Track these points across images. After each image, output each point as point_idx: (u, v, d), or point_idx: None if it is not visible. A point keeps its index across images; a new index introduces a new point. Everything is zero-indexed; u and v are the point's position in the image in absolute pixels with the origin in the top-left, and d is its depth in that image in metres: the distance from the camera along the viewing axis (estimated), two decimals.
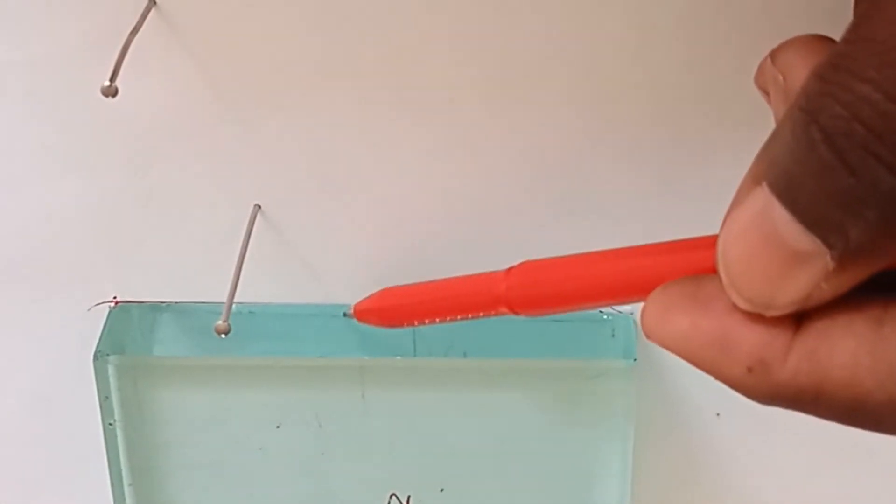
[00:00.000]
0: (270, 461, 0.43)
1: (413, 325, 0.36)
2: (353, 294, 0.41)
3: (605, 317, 0.41)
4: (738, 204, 0.23)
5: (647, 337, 0.25)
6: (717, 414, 0.43)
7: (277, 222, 0.40)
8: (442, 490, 0.43)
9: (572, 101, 0.38)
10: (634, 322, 0.41)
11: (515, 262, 0.31)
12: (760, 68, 0.29)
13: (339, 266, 0.41)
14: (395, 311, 0.36)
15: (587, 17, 0.36)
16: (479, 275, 0.33)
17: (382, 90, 0.37)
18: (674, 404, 0.43)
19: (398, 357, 0.41)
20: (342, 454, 0.43)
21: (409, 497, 0.44)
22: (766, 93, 0.29)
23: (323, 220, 0.40)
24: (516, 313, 0.31)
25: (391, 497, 0.44)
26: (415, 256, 0.40)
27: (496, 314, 0.32)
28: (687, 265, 0.26)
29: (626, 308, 0.41)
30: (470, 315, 0.33)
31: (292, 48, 0.37)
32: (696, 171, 0.39)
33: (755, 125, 0.36)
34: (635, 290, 0.27)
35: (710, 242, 0.24)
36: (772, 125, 0.26)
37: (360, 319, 0.38)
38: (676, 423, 0.44)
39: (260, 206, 0.40)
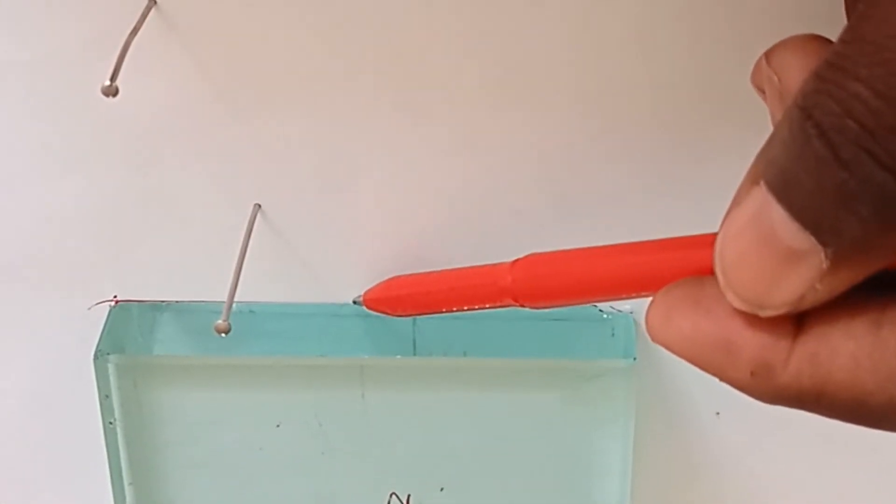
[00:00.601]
0: (270, 461, 0.43)
1: (421, 314, 0.37)
2: (353, 294, 0.41)
3: (605, 316, 0.41)
4: (736, 204, 0.23)
5: (652, 339, 0.25)
6: (717, 413, 0.43)
7: (277, 222, 0.40)
8: (442, 489, 0.43)
9: (573, 101, 0.38)
10: (634, 321, 0.41)
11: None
12: (756, 68, 0.29)
13: (339, 266, 0.41)
14: (403, 299, 0.37)
15: (588, 18, 0.36)
16: (486, 266, 0.33)
17: (383, 90, 0.37)
18: (674, 404, 0.43)
19: (398, 356, 0.41)
20: (342, 454, 0.43)
21: (409, 496, 0.44)
22: (762, 92, 0.29)
23: (323, 220, 0.40)
24: (521, 305, 0.32)
25: (391, 496, 0.44)
26: (415, 256, 0.40)
27: (502, 306, 0.33)
28: (693, 261, 0.26)
29: (625, 307, 0.41)
30: (476, 306, 0.34)
31: (292, 48, 0.37)
32: (698, 170, 0.39)
33: (756, 125, 0.36)
34: (641, 284, 0.27)
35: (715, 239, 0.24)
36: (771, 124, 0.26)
37: (369, 308, 0.38)
38: (676, 423, 0.44)
39: (260, 206, 0.40)
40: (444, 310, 0.36)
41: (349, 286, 0.41)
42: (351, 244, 0.40)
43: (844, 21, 0.22)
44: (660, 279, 0.26)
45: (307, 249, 0.41)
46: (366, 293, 0.40)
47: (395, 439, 0.43)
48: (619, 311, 0.41)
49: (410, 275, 0.38)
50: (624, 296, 0.28)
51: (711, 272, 0.24)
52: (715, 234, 0.24)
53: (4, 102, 0.38)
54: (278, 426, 0.43)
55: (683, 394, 0.43)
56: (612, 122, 0.38)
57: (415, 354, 0.42)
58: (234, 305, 0.37)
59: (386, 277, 0.40)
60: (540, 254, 0.31)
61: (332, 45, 0.37)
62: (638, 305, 0.41)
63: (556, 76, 0.37)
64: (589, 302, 0.30)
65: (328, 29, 0.36)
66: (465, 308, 0.35)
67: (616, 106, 0.38)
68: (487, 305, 0.34)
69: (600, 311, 0.41)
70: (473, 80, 0.37)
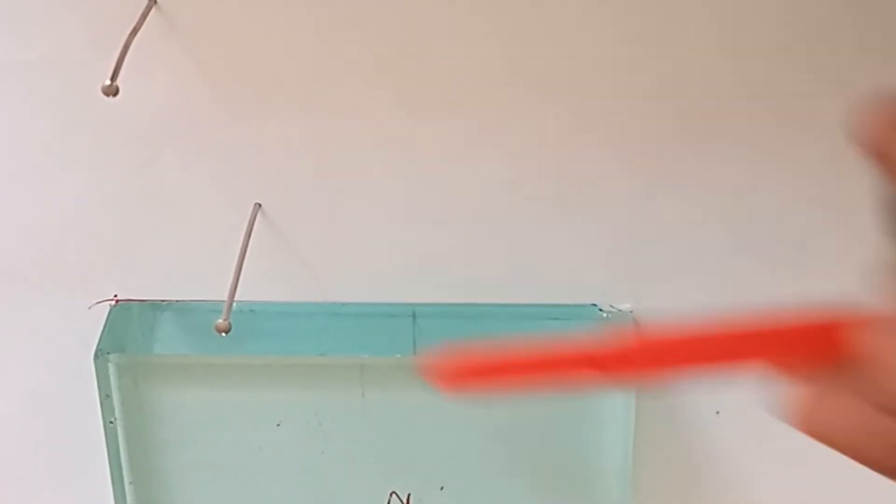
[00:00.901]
0: (270, 460, 0.43)
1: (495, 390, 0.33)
2: (352, 294, 0.41)
3: (605, 315, 0.41)
4: (884, 305, 0.22)
5: (797, 429, 0.23)
6: (717, 412, 0.43)
7: (277, 222, 0.40)
8: (442, 488, 0.43)
9: (574, 101, 0.38)
10: (634, 320, 0.41)
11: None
12: (874, 132, 0.23)
13: (339, 266, 0.41)
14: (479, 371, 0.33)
15: (588, 18, 0.36)
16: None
17: (383, 91, 0.37)
18: (674, 404, 0.43)
19: (398, 356, 0.41)
20: (342, 453, 0.43)
21: (409, 495, 0.44)
22: (877, 157, 0.24)
23: (323, 219, 0.40)
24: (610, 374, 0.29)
25: (391, 495, 0.44)
26: (415, 256, 0.40)
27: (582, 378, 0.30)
28: (801, 346, 0.24)
29: (625, 306, 0.41)
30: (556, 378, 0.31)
31: (292, 48, 0.37)
32: (699, 170, 0.39)
33: (756, 125, 0.36)
34: (752, 361, 0.26)
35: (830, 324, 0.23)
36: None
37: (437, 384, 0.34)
38: (676, 423, 0.44)
39: (260, 206, 0.40)
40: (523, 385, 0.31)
41: (349, 286, 0.41)
42: (351, 244, 0.40)
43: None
44: (776, 359, 0.24)
45: (307, 249, 0.41)
46: (433, 363, 0.34)
47: (395, 438, 0.43)
48: (620, 309, 0.41)
49: (478, 346, 0.33)
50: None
51: (839, 355, 0.23)
52: (841, 318, 0.23)
53: (4, 102, 0.38)
54: (278, 425, 0.43)
55: (683, 393, 0.43)
56: (614, 123, 0.38)
57: (415, 354, 0.42)
58: (234, 305, 0.37)
59: (385, 278, 0.40)
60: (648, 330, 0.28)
61: (332, 45, 0.37)
62: (637, 303, 0.41)
63: (557, 76, 0.37)
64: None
65: (328, 29, 0.36)
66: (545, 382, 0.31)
67: (617, 106, 0.38)
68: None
69: (600, 310, 0.41)
70: (474, 80, 0.37)
